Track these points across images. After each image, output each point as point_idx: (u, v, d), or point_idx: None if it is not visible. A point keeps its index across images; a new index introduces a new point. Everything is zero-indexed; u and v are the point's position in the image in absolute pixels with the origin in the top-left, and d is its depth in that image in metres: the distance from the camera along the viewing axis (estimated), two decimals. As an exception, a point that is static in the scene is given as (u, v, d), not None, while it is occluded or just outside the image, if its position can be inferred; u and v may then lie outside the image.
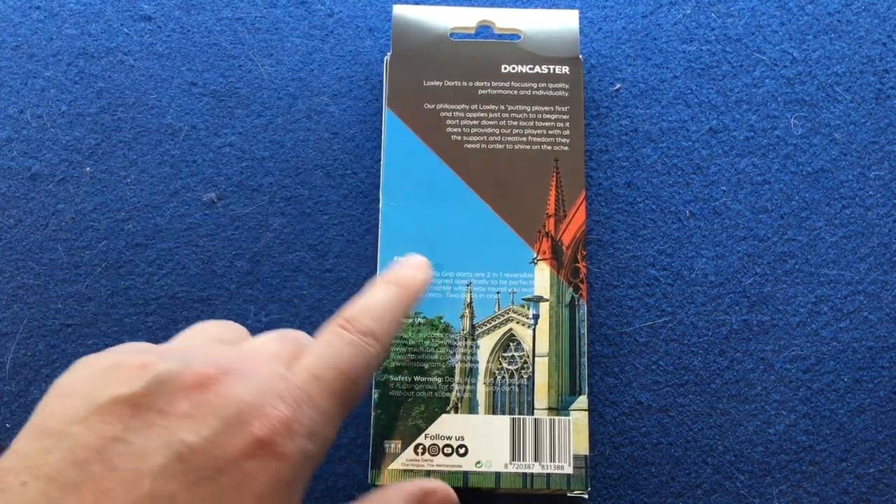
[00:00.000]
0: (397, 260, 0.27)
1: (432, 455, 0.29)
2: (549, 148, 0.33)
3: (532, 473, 0.29)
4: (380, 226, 0.32)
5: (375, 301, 0.25)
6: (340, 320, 0.24)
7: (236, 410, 0.19)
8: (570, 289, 0.31)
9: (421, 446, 0.30)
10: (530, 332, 0.31)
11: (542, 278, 0.31)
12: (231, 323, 0.25)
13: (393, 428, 0.30)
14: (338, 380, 0.22)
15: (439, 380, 0.30)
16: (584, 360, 0.31)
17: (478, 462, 0.29)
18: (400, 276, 0.27)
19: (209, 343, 0.23)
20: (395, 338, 0.31)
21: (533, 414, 0.30)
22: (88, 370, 0.20)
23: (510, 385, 0.30)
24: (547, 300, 0.31)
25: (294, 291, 0.33)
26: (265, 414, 0.19)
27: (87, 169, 0.34)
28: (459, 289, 0.31)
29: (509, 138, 0.33)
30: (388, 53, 0.34)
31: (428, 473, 0.29)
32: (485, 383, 0.30)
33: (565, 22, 0.34)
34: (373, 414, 0.30)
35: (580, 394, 0.30)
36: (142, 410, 0.19)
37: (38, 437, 0.18)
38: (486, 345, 0.31)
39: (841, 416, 0.32)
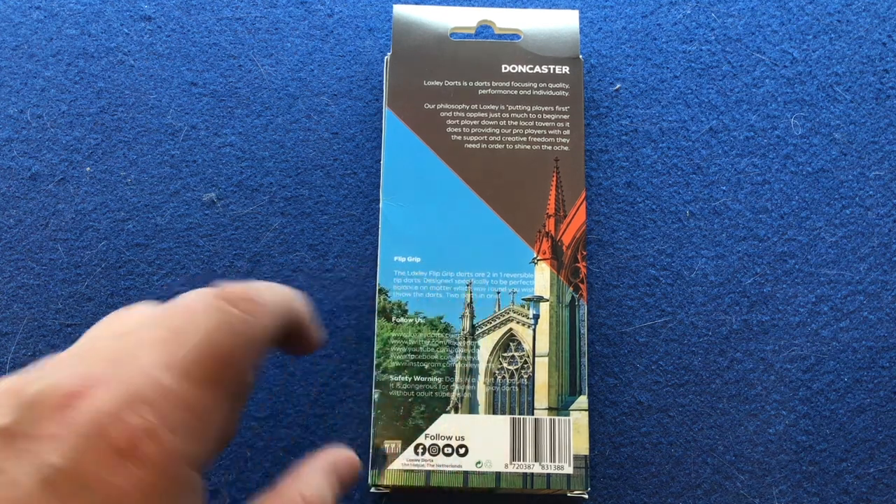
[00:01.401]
0: None
1: (432, 455, 0.29)
2: (549, 148, 0.33)
3: (532, 473, 0.29)
4: (380, 226, 0.32)
5: (255, 283, 0.24)
6: (219, 292, 0.23)
7: (95, 424, 0.19)
8: (570, 289, 0.31)
9: (421, 446, 0.30)
10: (530, 332, 0.31)
11: (542, 278, 0.31)
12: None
13: (393, 428, 0.30)
14: (212, 367, 0.21)
15: (439, 380, 0.30)
16: (584, 360, 0.31)
17: (478, 462, 0.29)
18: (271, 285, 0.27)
19: (99, 342, 0.22)
20: (395, 337, 0.31)
21: (533, 414, 0.30)
22: None
23: (510, 385, 0.30)
24: (547, 300, 0.31)
25: (294, 291, 0.33)
26: (123, 422, 0.19)
27: (88, 169, 0.34)
28: (459, 289, 0.31)
29: (509, 138, 0.33)
30: (388, 53, 0.34)
31: (428, 473, 0.29)
32: (485, 383, 0.30)
33: (565, 22, 0.34)
34: (373, 414, 0.30)
35: (580, 394, 0.30)
36: (12, 438, 0.19)
37: None
38: (486, 345, 0.31)
39: (841, 416, 0.32)
